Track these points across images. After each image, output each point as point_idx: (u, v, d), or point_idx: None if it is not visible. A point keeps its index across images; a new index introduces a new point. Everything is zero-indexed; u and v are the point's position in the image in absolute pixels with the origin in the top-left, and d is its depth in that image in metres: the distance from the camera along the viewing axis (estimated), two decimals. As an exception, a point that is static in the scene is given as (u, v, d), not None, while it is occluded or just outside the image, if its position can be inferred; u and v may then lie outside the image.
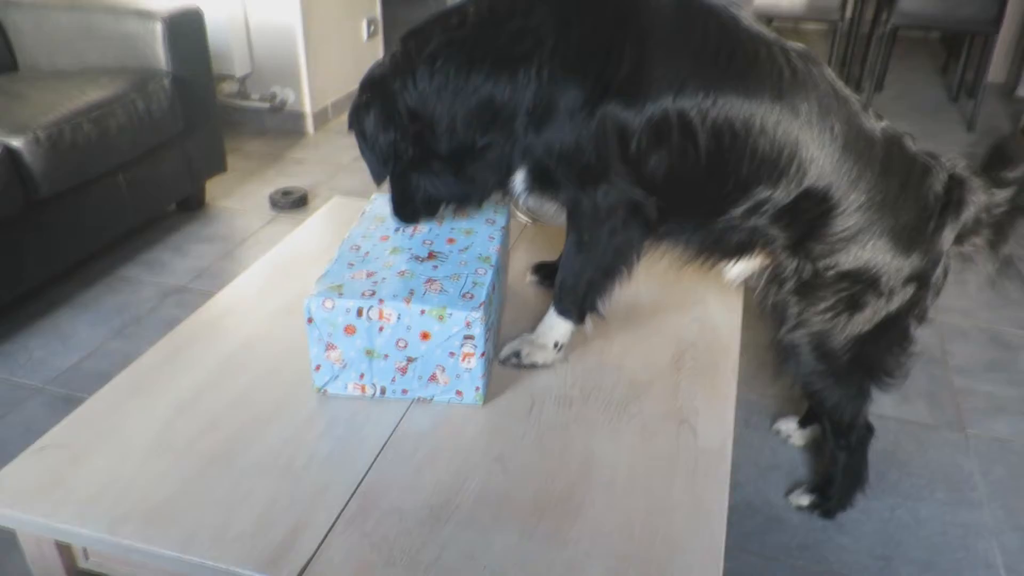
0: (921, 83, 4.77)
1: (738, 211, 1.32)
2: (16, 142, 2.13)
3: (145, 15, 2.60)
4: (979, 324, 2.41)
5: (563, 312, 1.40)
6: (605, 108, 1.21)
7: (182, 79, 2.67)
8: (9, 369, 2.11)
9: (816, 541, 1.61)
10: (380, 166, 1.35)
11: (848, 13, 4.14)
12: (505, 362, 1.37)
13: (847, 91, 1.31)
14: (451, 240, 1.34)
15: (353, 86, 4.52)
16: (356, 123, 1.34)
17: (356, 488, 1.11)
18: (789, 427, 1.91)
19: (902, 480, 1.78)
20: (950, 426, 1.97)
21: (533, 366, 1.37)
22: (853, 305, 1.35)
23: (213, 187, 3.10)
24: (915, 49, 5.40)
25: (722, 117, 1.23)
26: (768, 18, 4.18)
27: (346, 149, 3.62)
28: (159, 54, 2.63)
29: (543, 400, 1.30)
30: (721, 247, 1.40)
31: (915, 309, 1.38)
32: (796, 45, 1.30)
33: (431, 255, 1.29)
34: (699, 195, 1.33)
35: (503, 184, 1.34)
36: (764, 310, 1.47)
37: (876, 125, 1.31)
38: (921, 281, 1.35)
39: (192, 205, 2.99)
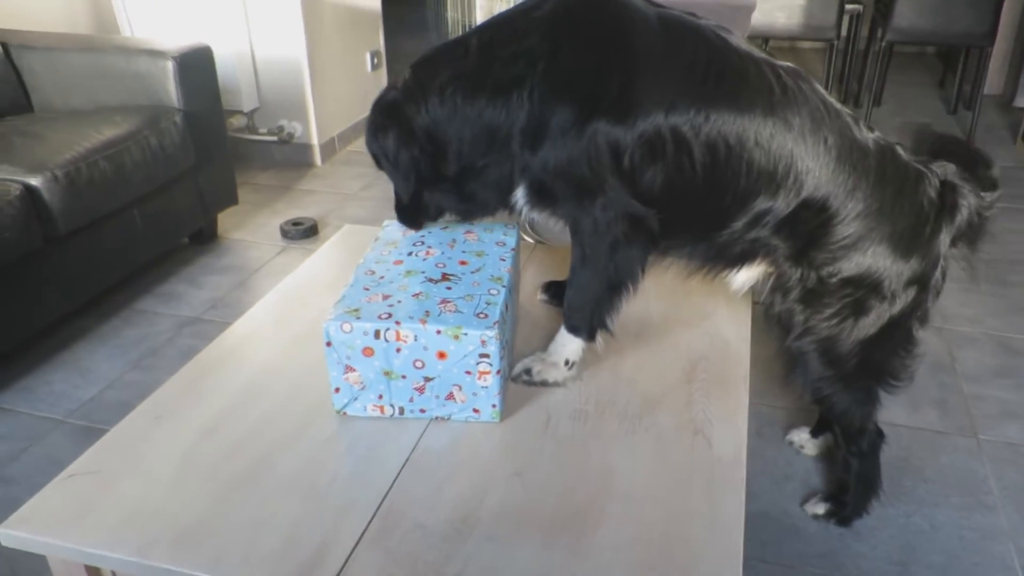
0: (919, 97, 4.82)
1: (739, 224, 1.35)
2: (35, 181, 2.18)
3: (156, 54, 2.67)
4: (987, 331, 2.43)
5: (573, 329, 1.41)
6: (595, 125, 1.25)
7: (193, 115, 2.73)
8: (31, 403, 2.15)
9: (833, 549, 1.62)
10: (404, 181, 1.40)
11: (844, 31, 4.19)
12: (516, 379, 1.38)
13: (838, 105, 1.35)
14: (463, 262, 1.37)
15: (359, 117, 4.56)
16: (376, 143, 1.39)
17: (379, 506, 1.14)
18: (802, 437, 1.93)
19: (917, 486, 1.80)
20: (962, 432, 1.98)
21: (544, 384, 1.38)
22: (858, 310, 1.38)
23: (225, 219, 3.15)
24: (911, 64, 5.46)
25: (715, 132, 1.26)
26: (765, 38, 4.24)
27: (354, 179, 3.67)
28: (171, 91, 2.69)
29: (559, 415, 1.32)
30: (725, 258, 1.43)
31: (917, 311, 1.41)
32: (785, 63, 1.33)
33: (444, 277, 1.33)
34: (699, 209, 1.36)
35: (505, 201, 1.39)
36: (769, 319, 1.50)
37: (868, 136, 1.35)
38: (921, 284, 1.38)
39: (205, 238, 3.04)
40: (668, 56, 1.27)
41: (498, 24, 1.34)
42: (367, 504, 1.14)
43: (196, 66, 2.76)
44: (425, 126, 1.33)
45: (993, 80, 4.67)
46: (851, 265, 1.35)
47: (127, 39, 3.24)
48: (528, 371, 1.39)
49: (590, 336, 1.42)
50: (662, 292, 1.67)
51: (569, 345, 1.41)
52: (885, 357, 1.46)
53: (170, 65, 2.66)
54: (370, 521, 1.11)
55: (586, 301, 1.39)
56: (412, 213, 1.48)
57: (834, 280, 1.37)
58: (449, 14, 5.54)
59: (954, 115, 4.48)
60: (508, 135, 1.29)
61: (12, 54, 2.77)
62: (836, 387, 1.48)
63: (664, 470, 1.21)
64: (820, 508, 1.70)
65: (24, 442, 2.00)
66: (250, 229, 3.17)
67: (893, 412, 2.01)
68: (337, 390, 1.26)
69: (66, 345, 2.40)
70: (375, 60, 4.23)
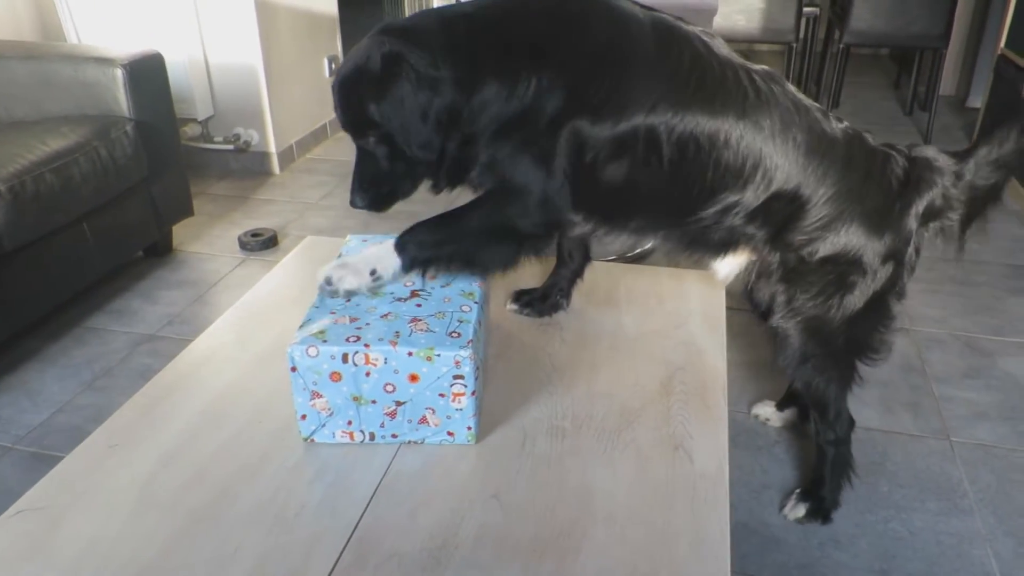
0: (876, 98, 4.88)
1: (709, 212, 1.40)
2: (-24, 196, 2.08)
3: (105, 62, 2.57)
4: (953, 332, 2.44)
5: (403, 248, 1.31)
6: (574, 123, 1.27)
7: (145, 124, 2.64)
8: (-24, 430, 2.04)
9: (814, 559, 1.61)
10: (432, 132, 1.27)
11: (801, 34, 4.23)
12: (320, 289, 1.28)
13: (808, 102, 1.42)
14: (432, 276, 1.32)
15: (318, 124, 4.51)
16: (383, 94, 1.24)
17: (351, 536, 1.08)
18: (767, 411, 2.02)
19: (893, 491, 1.79)
20: (935, 435, 1.98)
21: (347, 295, 1.27)
22: (843, 286, 1.44)
23: (180, 232, 3.06)
24: (867, 66, 5.54)
25: (687, 132, 1.31)
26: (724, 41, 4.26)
27: (314, 187, 3.60)
28: (120, 100, 2.60)
29: (535, 433, 1.28)
30: (703, 244, 1.46)
31: (895, 287, 1.47)
32: (760, 67, 1.39)
33: (413, 293, 1.28)
34: (663, 198, 1.40)
35: (463, 178, 1.36)
36: (754, 305, 1.56)
37: (837, 127, 1.42)
38: (897, 259, 1.44)
39: (160, 251, 2.94)
40: (656, 61, 1.30)
41: (498, 6, 1.31)
42: (338, 534, 1.08)
43: (147, 74, 2.67)
44: (443, 82, 1.25)
45: (947, 81, 4.76)
46: (828, 245, 1.41)
47: (74, 46, 3.13)
48: (329, 281, 1.27)
49: (411, 267, 1.31)
50: (634, 300, 1.64)
51: (387, 259, 1.30)
52: (868, 332, 1.51)
53: (119, 73, 2.57)
54: (341, 552, 1.06)
55: (447, 240, 1.32)
56: (371, 191, 1.35)
57: (814, 259, 1.42)
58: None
59: (911, 116, 4.55)
60: (500, 115, 1.27)
61: (-49, 63, 2.65)
62: (824, 365, 1.52)
63: (645, 487, 1.17)
64: (800, 510, 1.69)
65: (-31, 471, 1.90)
66: (207, 241, 3.08)
67: (866, 415, 2.01)
68: (304, 417, 1.21)
69: (13, 367, 2.29)
70: (333, 65, 4.15)
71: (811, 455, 1.76)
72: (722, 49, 1.35)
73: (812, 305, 1.45)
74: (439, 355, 1.14)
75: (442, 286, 1.29)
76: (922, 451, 1.92)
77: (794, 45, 4.13)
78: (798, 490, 1.73)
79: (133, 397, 1.36)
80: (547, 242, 1.39)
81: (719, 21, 3.88)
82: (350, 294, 1.27)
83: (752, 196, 1.37)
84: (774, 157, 1.35)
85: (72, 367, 2.30)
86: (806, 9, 4.16)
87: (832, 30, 4.46)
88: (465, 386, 1.17)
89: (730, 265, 1.52)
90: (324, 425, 1.21)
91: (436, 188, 1.40)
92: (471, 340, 1.16)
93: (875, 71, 5.46)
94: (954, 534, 1.67)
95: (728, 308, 1.58)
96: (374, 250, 1.30)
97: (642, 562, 1.05)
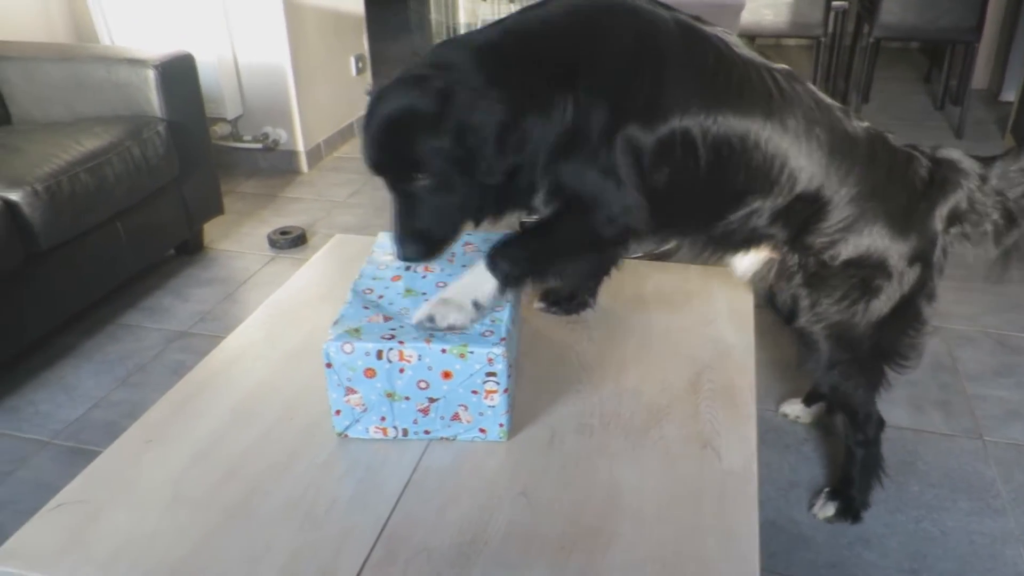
0: (906, 93, 4.82)
1: (737, 215, 1.39)
2: (14, 196, 2.12)
3: (137, 63, 2.61)
4: (985, 329, 2.41)
5: (495, 268, 1.25)
6: (626, 131, 1.26)
7: (176, 124, 2.68)
8: (15, 424, 2.09)
9: (843, 558, 1.60)
10: (497, 155, 1.19)
11: (830, 28, 4.18)
12: (419, 328, 1.20)
13: (829, 101, 1.41)
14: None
15: (345, 122, 4.54)
16: (448, 124, 1.16)
17: (381, 531, 1.09)
18: (795, 409, 2.01)
19: (924, 491, 1.77)
20: (967, 434, 1.96)
21: (451, 329, 1.20)
22: (868, 291, 1.42)
23: (211, 230, 3.10)
24: (897, 60, 5.46)
25: (721, 134, 1.30)
26: (752, 36, 4.23)
27: (341, 185, 3.63)
28: (152, 101, 2.64)
29: (563, 431, 1.29)
30: (726, 245, 1.46)
31: (924, 289, 1.44)
32: (779, 66, 1.39)
33: None
34: (698, 204, 1.40)
35: (526, 203, 1.34)
36: (776, 307, 1.56)
37: (859, 126, 1.41)
38: (924, 261, 1.42)
39: (191, 249, 2.98)
40: (686, 61, 1.30)
41: (521, 29, 1.28)
42: (368, 530, 1.10)
43: (178, 74, 2.70)
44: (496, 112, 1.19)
45: (980, 75, 4.68)
46: (850, 247, 1.39)
47: (107, 48, 3.18)
48: (431, 318, 1.20)
49: (507, 285, 1.26)
50: (662, 298, 1.63)
51: (485, 286, 1.24)
52: (897, 337, 1.49)
53: (151, 74, 2.60)
54: (372, 548, 1.07)
55: (538, 254, 1.29)
56: (420, 236, 1.25)
57: (837, 262, 1.40)
58: (432, 16, 5.49)
59: (942, 111, 4.48)
60: (544, 138, 1.24)
61: (-11, 65, 2.70)
62: (851, 371, 1.51)
63: (673, 485, 1.18)
64: (830, 509, 1.68)
65: (9, 465, 1.94)
66: (237, 239, 3.12)
67: (896, 414, 1.99)
68: (338, 412, 1.22)
69: (50, 363, 2.34)
70: (360, 64, 4.18)
71: (840, 453, 1.75)
72: (742, 49, 1.35)
73: (836, 310, 1.43)
74: (472, 352, 1.16)
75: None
76: (954, 450, 1.89)
77: (822, 39, 4.09)
78: (827, 489, 1.72)
79: (167, 394, 1.38)
80: (625, 251, 1.38)
81: (746, 16, 3.84)
82: (453, 329, 1.20)
83: (777, 199, 1.37)
84: (799, 157, 1.34)
85: (107, 363, 2.34)
86: (834, 3, 4.10)
87: (861, 24, 4.41)
88: (498, 383, 1.18)
89: (749, 261, 1.52)
90: (358, 421, 1.23)
91: (479, 220, 1.33)
92: (504, 338, 1.17)
93: (905, 65, 5.39)
94: (987, 534, 1.65)
95: (756, 306, 1.58)
96: (467, 278, 1.25)
97: (670, 559, 1.05)
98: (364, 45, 4.23)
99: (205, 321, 2.55)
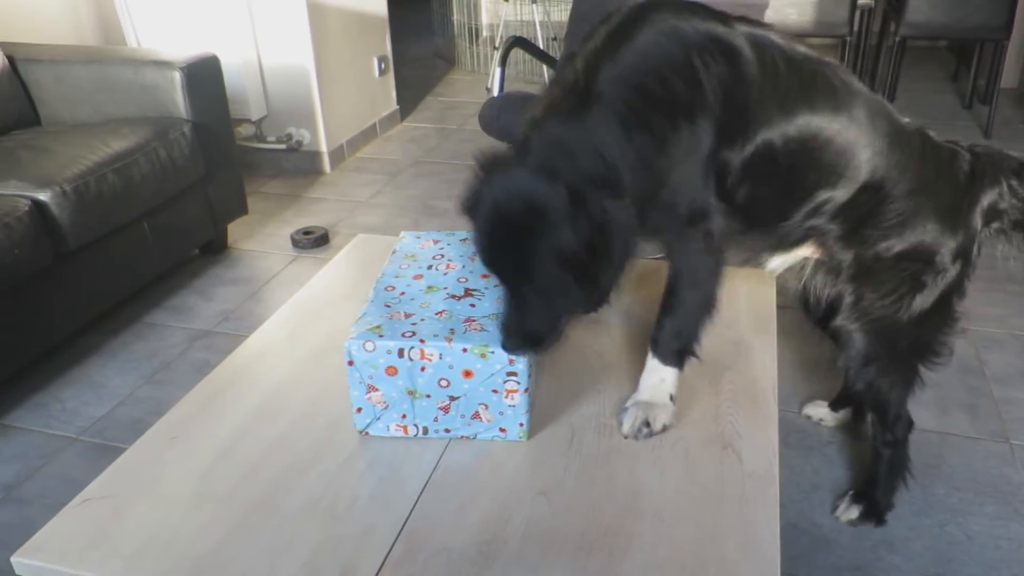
0: (933, 92, 4.76)
1: (800, 213, 1.37)
2: (43, 196, 2.16)
3: (163, 65, 2.65)
4: (1013, 332, 2.38)
5: (667, 359, 1.32)
6: (720, 154, 1.24)
7: (201, 125, 2.71)
8: (43, 420, 2.12)
9: (867, 561, 1.58)
10: (624, 264, 1.15)
11: (855, 27, 4.14)
12: (637, 435, 1.26)
13: (875, 95, 1.40)
14: (485, 276, 1.33)
15: (368, 123, 4.57)
16: (586, 224, 1.10)
17: (401, 528, 1.10)
18: (820, 411, 1.99)
19: (949, 495, 1.75)
20: (994, 437, 1.93)
21: (664, 429, 1.27)
22: (916, 285, 1.42)
23: (235, 230, 3.13)
24: (924, 59, 5.39)
25: (798, 136, 1.29)
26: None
27: (364, 186, 3.65)
28: (178, 102, 2.67)
29: (583, 431, 1.29)
30: (777, 246, 1.46)
31: (961, 286, 1.45)
32: (831, 60, 1.36)
33: (467, 292, 1.29)
34: (766, 209, 1.38)
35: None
36: (809, 305, 1.55)
37: (904, 120, 1.42)
38: (965, 258, 1.43)
39: (215, 248, 3.02)
40: (763, 72, 1.26)
41: (602, 60, 1.20)
42: (389, 528, 1.10)
43: (203, 76, 2.73)
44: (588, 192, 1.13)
45: (1009, 73, 4.61)
46: (903, 241, 1.40)
47: (134, 50, 3.22)
48: (646, 423, 1.26)
49: (682, 362, 1.33)
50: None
51: (669, 379, 1.32)
52: (933, 334, 1.49)
53: (177, 76, 2.64)
54: (392, 545, 1.08)
55: (688, 328, 1.33)
56: (540, 328, 1.18)
57: (889, 256, 1.41)
58: (455, 17, 5.51)
59: (970, 109, 4.42)
60: (650, 164, 1.19)
61: (18, 67, 2.75)
62: (887, 368, 1.50)
63: (694, 487, 1.17)
64: (854, 512, 1.67)
65: (37, 461, 1.98)
66: (260, 239, 3.15)
67: (922, 417, 1.97)
68: (359, 410, 1.23)
69: (77, 361, 2.38)
70: (383, 65, 4.20)
71: (863, 456, 1.74)
72: (799, 47, 1.33)
73: (881, 305, 1.44)
74: (493, 352, 1.16)
75: (496, 286, 1.30)
76: (980, 454, 1.87)
77: (848, 39, 4.04)
78: (851, 491, 1.71)
79: (191, 392, 1.40)
80: (724, 248, 1.36)
81: (770, 15, 3.81)
82: (666, 429, 1.27)
83: (843, 191, 1.36)
84: (866, 148, 1.34)
85: (132, 361, 2.37)
86: (860, 1, 4.07)
87: (887, 22, 4.36)
88: (518, 383, 1.18)
89: (784, 259, 1.52)
90: (379, 418, 1.24)
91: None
92: None
93: (932, 64, 5.32)
94: (1013, 539, 1.63)
95: (778, 307, 1.57)
96: (654, 378, 1.31)
97: (690, 561, 1.04)
98: (387, 46, 4.25)
99: (229, 320, 2.58)
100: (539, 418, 1.30)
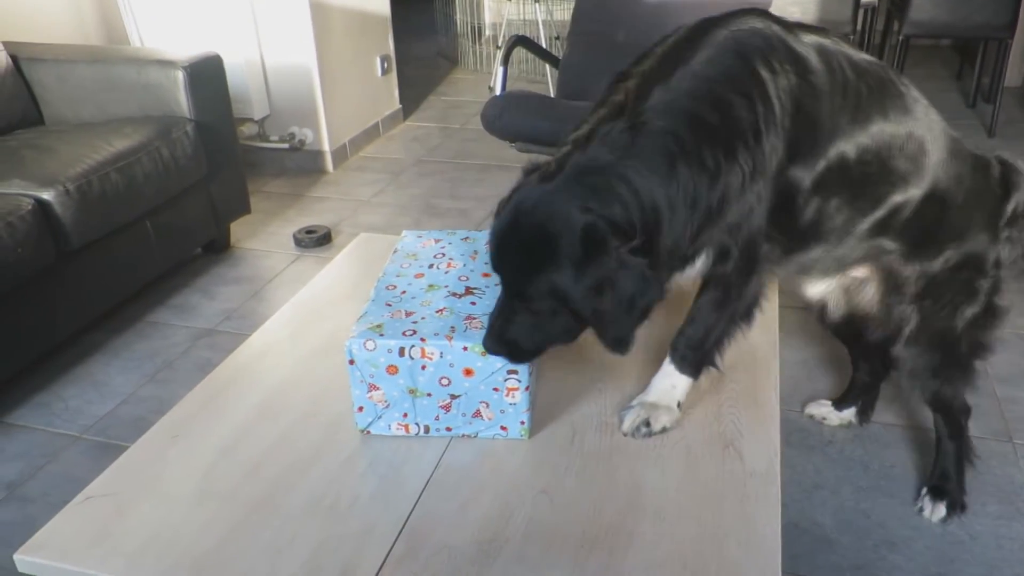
0: (937, 91, 4.74)
1: (866, 228, 1.35)
2: (46, 195, 2.16)
3: (167, 64, 2.65)
4: (1017, 331, 2.37)
5: (684, 366, 1.31)
6: (788, 172, 1.20)
7: (204, 125, 2.71)
8: (46, 419, 2.13)
9: (868, 561, 1.58)
10: (630, 317, 1.12)
11: (859, 25, 4.13)
12: (635, 434, 1.26)
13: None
14: (486, 275, 1.33)
15: (370, 122, 4.58)
16: (598, 272, 1.07)
17: (403, 527, 1.10)
18: (823, 411, 1.99)
19: (952, 494, 1.75)
20: (996, 436, 1.93)
21: (664, 431, 1.26)
22: (971, 292, 1.46)
23: (237, 229, 3.13)
24: (928, 57, 5.38)
25: (871, 146, 1.26)
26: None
27: (366, 185, 3.65)
28: (181, 101, 2.67)
29: (584, 429, 1.29)
30: (831, 267, 1.44)
31: (1000, 286, 1.50)
32: (887, 65, 1.33)
33: (468, 291, 1.29)
34: (834, 223, 1.32)
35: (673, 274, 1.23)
36: (853, 324, 1.58)
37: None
38: (999, 261, 1.47)
39: (218, 247, 3.02)
40: (831, 84, 1.21)
41: (655, 83, 1.15)
42: (390, 526, 1.11)
43: (206, 75, 2.74)
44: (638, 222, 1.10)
45: (1012, 72, 4.60)
46: (959, 252, 1.42)
47: (137, 49, 3.23)
48: (646, 422, 1.25)
49: (699, 372, 1.32)
50: (685, 296, 1.62)
51: (680, 386, 1.30)
52: (985, 333, 1.53)
53: (180, 75, 2.64)
54: (394, 543, 1.08)
55: (710, 339, 1.31)
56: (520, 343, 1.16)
57: (949, 267, 1.43)
58: (458, 16, 5.51)
59: (973, 108, 4.41)
60: (698, 201, 1.13)
61: (22, 67, 2.75)
62: (952, 374, 1.55)
63: (695, 485, 1.17)
64: (942, 509, 1.69)
65: (40, 459, 1.98)
66: (263, 238, 3.15)
67: (925, 416, 1.96)
68: (360, 409, 1.23)
69: (80, 360, 2.38)
70: (385, 64, 4.20)
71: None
72: (858, 51, 1.28)
73: (941, 317, 1.47)
74: None
75: (496, 285, 1.31)
76: (983, 453, 1.86)
77: (851, 37, 4.04)
78: (926, 490, 1.73)
79: (193, 390, 1.40)
80: (773, 265, 1.33)
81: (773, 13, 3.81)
82: (665, 431, 1.25)
83: (912, 201, 1.34)
84: (931, 156, 1.33)
85: (135, 360, 2.38)
86: (863, 0, 4.06)
87: (891, 21, 4.35)
88: (519, 381, 1.18)
89: (834, 283, 1.53)
90: (380, 417, 1.24)
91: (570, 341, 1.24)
92: None
93: (936, 62, 5.31)
94: (1016, 539, 1.63)
95: (781, 306, 1.56)
96: (665, 382, 1.30)
97: (691, 560, 1.04)
98: (390, 45, 4.25)
99: (231, 319, 2.58)
100: (540, 416, 1.30)
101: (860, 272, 1.48)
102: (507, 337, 1.14)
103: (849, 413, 1.96)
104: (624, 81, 1.19)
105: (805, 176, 1.21)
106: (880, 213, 1.34)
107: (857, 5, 3.92)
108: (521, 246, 1.12)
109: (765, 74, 1.14)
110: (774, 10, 3.86)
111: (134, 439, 1.28)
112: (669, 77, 1.14)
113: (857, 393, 1.94)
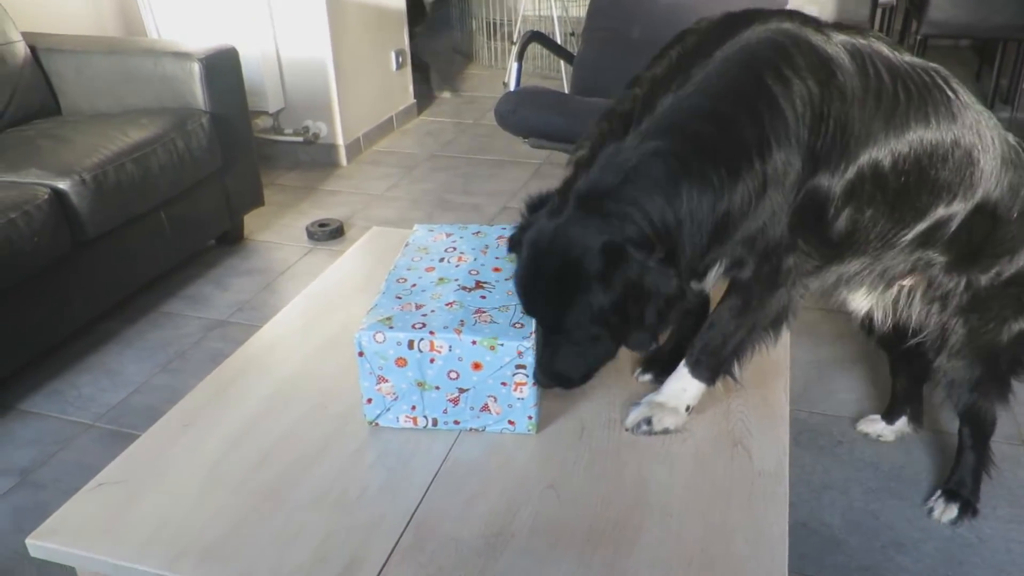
0: (954, 91, 4.70)
1: (909, 240, 1.29)
2: (63, 185, 2.18)
3: (183, 56, 2.66)
4: (1031, 334, 2.35)
5: (698, 371, 1.29)
6: (815, 181, 1.15)
7: (219, 117, 2.73)
8: (60, 407, 2.15)
9: (876, 562, 1.57)
10: (661, 323, 1.16)
11: (877, 25, 4.10)
12: (635, 430, 1.26)
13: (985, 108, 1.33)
14: (497, 269, 1.34)
15: (384, 116, 4.59)
16: (623, 282, 1.11)
17: (410, 519, 1.11)
18: (876, 427, 1.93)
19: (961, 497, 1.74)
20: (1008, 439, 1.91)
21: (665, 432, 1.25)
22: (1018, 308, 1.42)
23: (251, 221, 3.15)
24: (946, 57, 5.34)
25: (911, 154, 1.20)
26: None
27: (379, 179, 3.66)
28: (197, 94, 2.68)
29: (592, 425, 1.29)
30: (872, 281, 1.38)
31: None
32: (940, 67, 1.26)
33: (478, 285, 1.29)
34: (872, 234, 1.27)
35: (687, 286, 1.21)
36: (891, 334, 1.55)
37: (1009, 135, 1.35)
38: None
39: (231, 239, 3.04)
40: (863, 88, 1.16)
41: (663, 93, 1.13)
42: (398, 517, 1.11)
43: (222, 68, 2.75)
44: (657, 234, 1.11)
45: (1031, 73, 4.55)
46: (1013, 266, 1.37)
47: (153, 41, 3.25)
48: (648, 420, 1.25)
49: (714, 380, 1.30)
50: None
51: (691, 390, 1.29)
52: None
53: (196, 67, 2.65)
54: (401, 535, 1.08)
55: (727, 347, 1.29)
56: (575, 366, 1.22)
57: (1000, 281, 1.38)
58: (473, 11, 5.51)
59: (991, 109, 4.37)
60: (704, 218, 1.12)
61: (40, 57, 2.78)
62: (991, 388, 1.52)
63: (702, 483, 1.17)
64: (953, 511, 1.68)
65: (53, 446, 2.00)
66: (276, 230, 3.16)
67: (934, 419, 1.96)
68: (369, 401, 1.24)
69: (94, 348, 2.40)
70: (400, 59, 4.21)
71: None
72: (899, 51, 1.22)
73: (986, 331, 1.44)
74: (502, 345, 1.16)
75: (506, 279, 1.31)
76: (994, 456, 1.85)
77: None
78: (940, 493, 1.72)
79: (204, 380, 1.41)
80: (806, 277, 1.29)
81: (790, 12, 3.79)
82: (667, 432, 1.25)
83: (959, 213, 1.28)
84: (981, 166, 1.27)
85: (148, 350, 2.39)
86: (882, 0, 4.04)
87: (909, 21, 4.32)
88: (527, 376, 1.19)
89: (874, 298, 1.49)
90: (389, 409, 1.24)
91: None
92: (534, 332, 1.18)
93: (954, 63, 5.26)
94: (1025, 543, 1.62)
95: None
96: (676, 384, 1.29)
97: (697, 557, 1.04)
98: (404, 40, 4.26)
99: (243, 310, 2.60)
100: (548, 411, 1.31)
101: (906, 281, 1.43)
102: (555, 370, 1.20)
103: (901, 424, 1.91)
104: (635, 85, 1.19)
105: (833, 184, 1.16)
106: (923, 225, 1.28)
107: (875, 5, 3.90)
108: (547, 284, 1.16)
109: (776, 87, 1.10)
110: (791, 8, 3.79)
111: (146, 428, 1.29)
112: (677, 89, 1.12)
113: (902, 402, 1.90)
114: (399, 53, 4.19)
